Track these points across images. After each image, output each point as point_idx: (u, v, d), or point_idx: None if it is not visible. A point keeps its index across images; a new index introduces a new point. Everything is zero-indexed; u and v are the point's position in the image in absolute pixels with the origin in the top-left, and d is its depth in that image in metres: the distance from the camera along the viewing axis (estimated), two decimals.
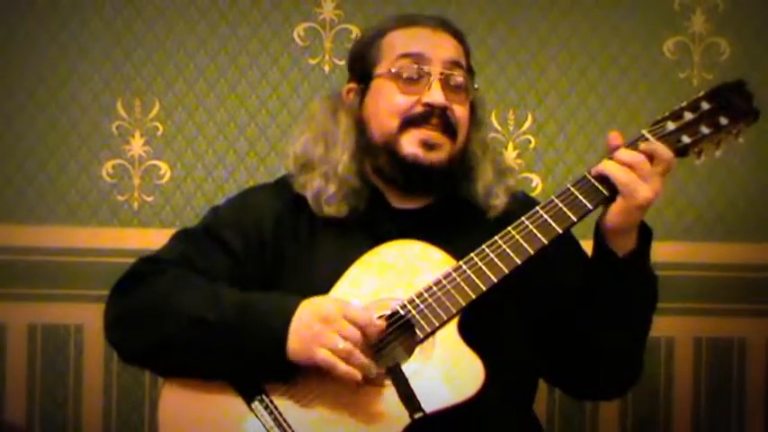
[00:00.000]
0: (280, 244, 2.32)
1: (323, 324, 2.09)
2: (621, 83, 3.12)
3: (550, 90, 3.12)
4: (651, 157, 2.15)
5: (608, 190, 2.17)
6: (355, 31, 3.07)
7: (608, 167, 2.16)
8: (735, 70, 3.09)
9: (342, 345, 2.07)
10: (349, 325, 2.08)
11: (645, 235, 2.23)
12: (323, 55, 3.08)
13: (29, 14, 3.02)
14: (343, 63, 3.04)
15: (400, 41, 2.32)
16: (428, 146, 2.26)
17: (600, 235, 2.21)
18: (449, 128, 2.28)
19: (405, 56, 2.29)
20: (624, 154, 2.16)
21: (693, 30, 3.12)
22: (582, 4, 3.11)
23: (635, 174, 2.14)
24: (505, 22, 3.10)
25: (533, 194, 2.93)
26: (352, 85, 2.38)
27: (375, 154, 2.32)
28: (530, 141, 3.11)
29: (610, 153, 2.19)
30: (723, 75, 3.09)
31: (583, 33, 3.11)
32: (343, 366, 2.07)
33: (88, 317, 3.00)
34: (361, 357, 2.08)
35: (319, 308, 2.12)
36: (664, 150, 2.16)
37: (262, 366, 2.14)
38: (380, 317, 2.15)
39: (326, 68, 3.08)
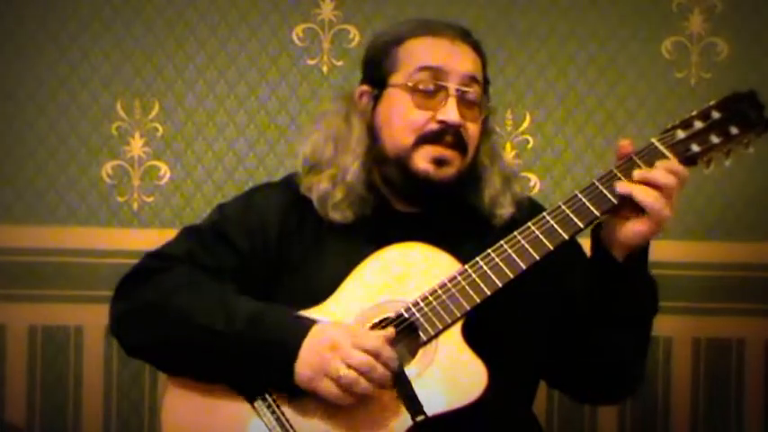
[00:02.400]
0: (284, 245, 2.32)
1: (331, 351, 2.08)
2: (620, 83, 3.12)
3: (548, 90, 3.12)
4: (674, 174, 2.16)
5: (616, 198, 2.17)
6: (354, 32, 3.07)
7: (637, 191, 2.14)
8: (732, 70, 3.10)
9: (344, 372, 2.06)
10: (357, 352, 2.07)
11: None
12: (321, 56, 3.08)
13: (29, 15, 3.02)
14: (341, 64, 3.05)
15: (419, 52, 2.30)
16: (439, 162, 2.26)
17: (601, 243, 2.22)
18: (461, 145, 2.27)
19: (423, 68, 2.28)
20: (656, 175, 2.15)
21: (691, 30, 3.12)
22: (580, 5, 3.11)
23: (663, 196, 2.14)
24: (504, 22, 3.10)
25: (531, 194, 2.93)
26: (366, 88, 2.36)
27: (385, 164, 2.32)
28: (528, 141, 3.12)
29: (619, 160, 2.20)
30: (721, 74, 3.10)
31: (581, 33, 3.11)
32: (345, 399, 2.08)
33: (88, 318, 3.01)
34: (365, 385, 2.07)
35: (330, 336, 2.10)
36: (682, 170, 2.17)
37: (265, 381, 2.15)
38: (384, 319, 2.16)
39: (325, 69, 3.08)
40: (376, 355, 2.07)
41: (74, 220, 3.04)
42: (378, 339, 2.09)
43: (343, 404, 2.09)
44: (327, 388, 2.08)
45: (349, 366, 2.06)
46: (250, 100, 3.07)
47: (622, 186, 2.16)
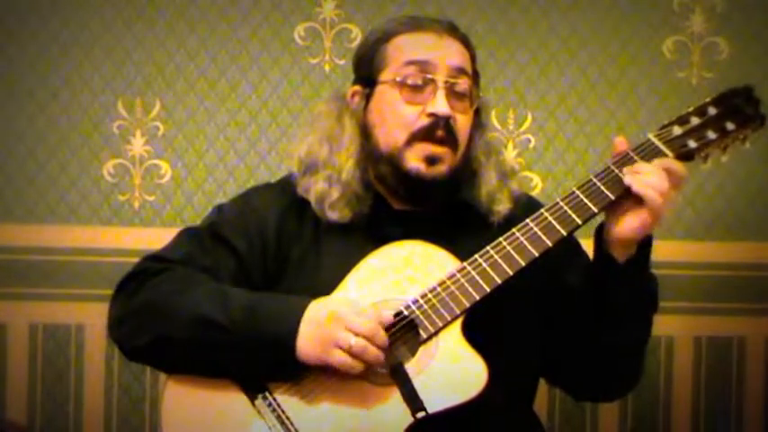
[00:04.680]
0: (283, 245, 2.32)
1: (334, 323, 2.10)
2: (621, 82, 3.12)
3: (550, 89, 3.12)
4: (669, 172, 2.17)
5: (614, 194, 2.18)
6: (355, 31, 3.07)
7: (641, 187, 2.16)
8: (733, 70, 3.10)
9: (354, 341, 2.08)
10: (360, 319, 2.09)
11: (645, 240, 2.24)
12: (323, 55, 3.08)
13: (30, 14, 3.02)
14: (343, 63, 3.05)
15: (406, 47, 2.32)
16: (431, 160, 2.27)
17: (603, 242, 2.23)
18: (452, 138, 2.28)
19: (410, 63, 2.29)
20: (653, 177, 2.16)
21: (692, 29, 3.12)
22: (581, 4, 3.11)
23: (663, 196, 2.15)
24: (505, 22, 3.10)
25: (533, 194, 2.93)
26: (357, 87, 2.37)
27: (378, 163, 2.32)
28: (529, 141, 3.12)
29: (615, 157, 2.21)
30: (722, 74, 3.10)
31: (582, 33, 3.12)
32: (359, 367, 2.09)
33: (89, 316, 3.01)
34: (375, 351, 2.09)
35: (329, 308, 2.12)
36: (680, 168, 2.18)
37: (270, 367, 2.16)
38: None
39: (327, 68, 3.08)
40: (375, 320, 2.10)
41: (75, 218, 3.04)
42: (376, 311, 2.12)
43: (354, 372, 2.10)
44: (340, 357, 2.09)
45: (357, 334, 2.08)
46: (252, 99, 3.08)
47: (630, 181, 2.17)
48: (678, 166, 2.19)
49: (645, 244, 2.24)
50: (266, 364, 2.15)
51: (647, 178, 2.16)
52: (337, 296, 2.19)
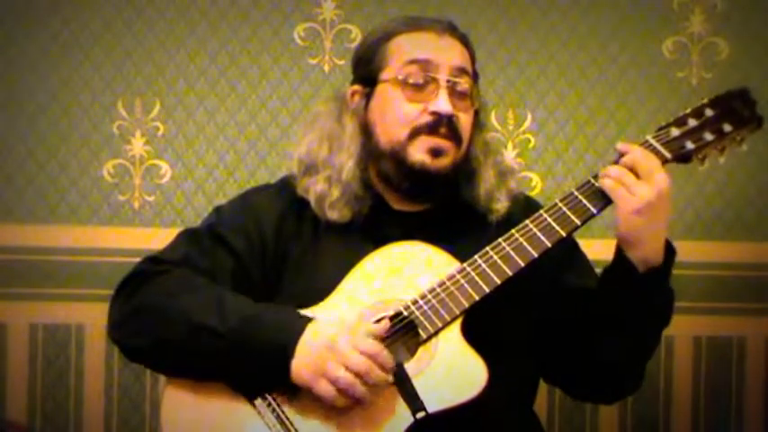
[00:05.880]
0: (282, 245, 2.32)
1: (329, 352, 2.08)
2: (620, 82, 3.12)
3: (550, 89, 3.12)
4: (631, 167, 2.18)
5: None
6: (355, 31, 3.07)
7: (602, 182, 2.18)
8: (733, 70, 3.11)
9: (343, 375, 2.06)
10: (355, 354, 2.07)
11: (668, 254, 2.23)
12: (323, 55, 3.08)
13: (30, 15, 3.02)
14: (342, 63, 3.05)
15: (407, 47, 2.32)
16: (435, 152, 2.27)
17: (618, 247, 2.22)
18: (455, 135, 2.28)
19: (412, 62, 2.29)
20: (609, 169, 2.18)
21: (692, 29, 3.12)
22: (581, 4, 3.11)
23: (623, 186, 2.16)
24: (505, 22, 3.11)
25: (532, 194, 2.94)
26: (357, 87, 2.37)
27: (380, 160, 2.32)
28: (529, 141, 3.12)
29: (617, 160, 2.21)
30: (722, 74, 3.10)
31: (582, 33, 3.12)
32: (340, 401, 2.08)
33: (89, 316, 3.01)
34: (360, 390, 2.07)
35: (328, 334, 2.10)
36: (642, 159, 2.18)
37: (262, 379, 2.15)
38: (383, 318, 2.16)
39: (326, 68, 3.08)
40: (373, 357, 2.07)
41: (75, 218, 3.05)
42: (375, 342, 2.09)
43: (338, 405, 2.09)
44: (325, 389, 2.08)
45: (347, 369, 2.07)
46: (251, 99, 3.08)
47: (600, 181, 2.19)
48: (640, 157, 2.18)
49: (669, 257, 2.23)
50: (259, 376, 2.14)
51: (606, 170, 2.18)
52: (336, 320, 2.15)
